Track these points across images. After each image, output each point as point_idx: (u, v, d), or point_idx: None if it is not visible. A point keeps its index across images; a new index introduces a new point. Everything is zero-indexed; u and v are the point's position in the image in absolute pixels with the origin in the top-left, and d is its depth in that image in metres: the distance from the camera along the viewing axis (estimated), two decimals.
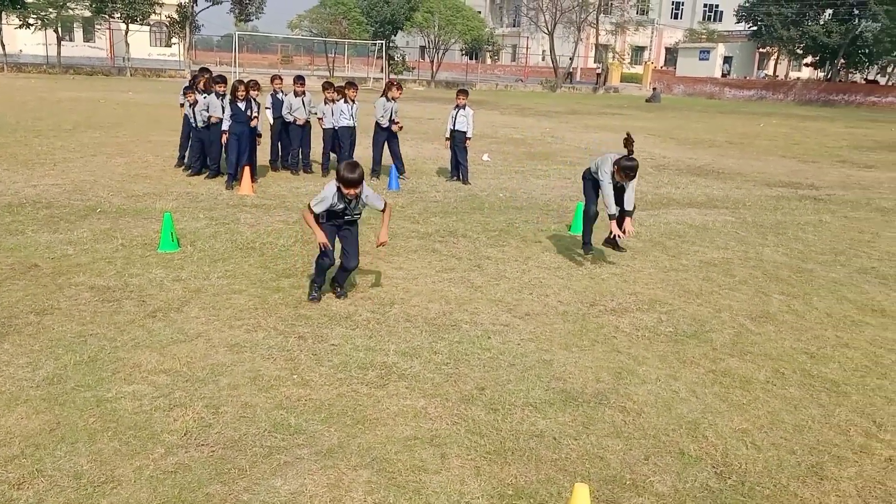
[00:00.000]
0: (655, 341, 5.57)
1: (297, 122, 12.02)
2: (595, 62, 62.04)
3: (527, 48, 62.66)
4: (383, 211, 6.09)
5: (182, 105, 12.14)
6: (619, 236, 7.24)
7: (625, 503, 3.46)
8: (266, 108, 12.09)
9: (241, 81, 10.90)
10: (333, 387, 4.56)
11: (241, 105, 10.57)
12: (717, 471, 3.78)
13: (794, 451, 4.01)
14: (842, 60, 50.34)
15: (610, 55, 58.87)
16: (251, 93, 10.91)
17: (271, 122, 12.33)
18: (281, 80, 12.53)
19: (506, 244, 8.32)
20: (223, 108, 10.72)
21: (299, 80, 12.16)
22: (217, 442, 3.85)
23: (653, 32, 66.60)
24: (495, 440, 3.99)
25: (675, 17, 72.31)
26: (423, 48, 58.36)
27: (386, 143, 12.13)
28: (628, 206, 7.19)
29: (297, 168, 12.44)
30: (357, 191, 5.70)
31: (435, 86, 48.15)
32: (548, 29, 52.35)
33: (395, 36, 55.12)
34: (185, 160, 12.20)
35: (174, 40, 53.22)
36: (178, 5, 47.88)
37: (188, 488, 3.43)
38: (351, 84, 11.99)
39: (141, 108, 22.94)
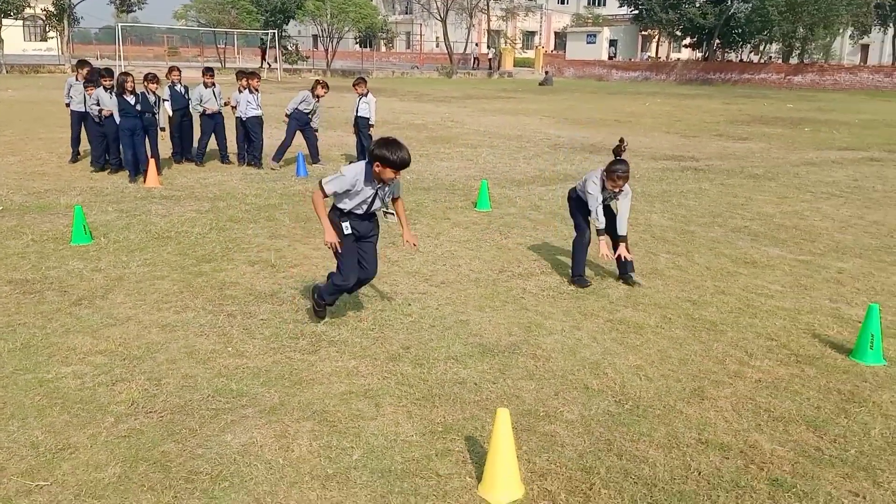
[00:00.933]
0: (559, 299, 6.15)
1: (208, 112, 12.02)
2: (488, 48, 63.20)
3: (421, 35, 63.10)
4: (395, 201, 5.34)
5: (68, 104, 11.87)
6: (606, 256, 6.32)
7: (540, 430, 3.96)
8: (165, 100, 12.00)
9: (127, 74, 10.83)
10: (268, 355, 4.87)
11: (130, 99, 10.44)
12: (616, 399, 4.35)
13: (679, 379, 4.64)
14: (717, 41, 53.30)
15: (502, 41, 60.09)
16: (150, 86, 10.84)
17: (170, 114, 12.24)
18: (179, 71, 12.44)
19: (417, 222, 8.74)
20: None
21: (209, 71, 12.19)
22: (164, 408, 4.10)
23: (542, 17, 68.41)
24: (423, 389, 4.42)
25: (562, 2, 74.51)
26: (315, 37, 57.78)
27: (301, 133, 12.34)
28: (621, 231, 6.37)
29: (202, 160, 12.42)
30: (399, 175, 4.93)
31: (331, 75, 47.84)
32: (440, 15, 52.93)
33: (286, 25, 54.32)
34: (80, 156, 12.00)
35: (51, 34, 50.56)
36: None
37: (143, 448, 3.69)
38: (254, 74, 12.09)
39: (24, 106, 21.95)
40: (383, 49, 71.13)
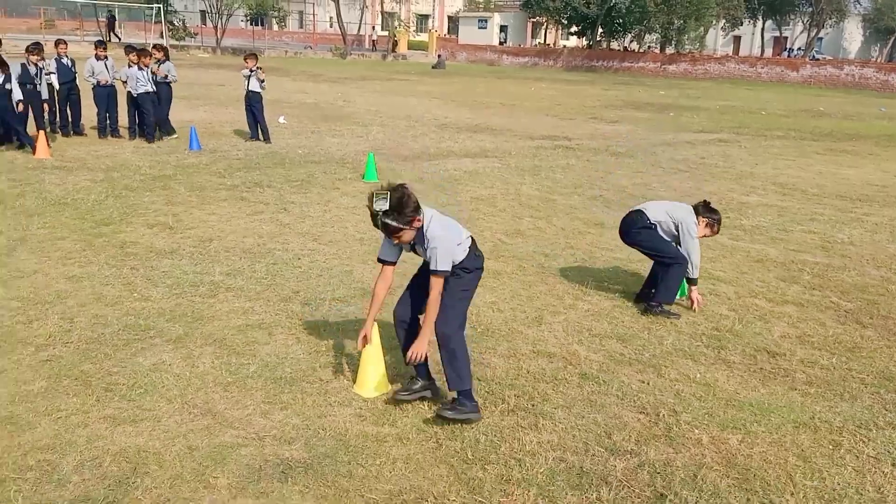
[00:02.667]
0: None
1: (101, 84, 12.18)
2: (382, 30, 63.46)
3: (314, 15, 62.59)
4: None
5: None
6: (699, 302, 5.78)
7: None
8: (52, 72, 12.05)
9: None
10: (171, 299, 5.50)
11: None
12: (471, 325, 5.22)
13: (524, 311, 5.63)
14: (600, 29, 55.85)
15: (396, 23, 60.55)
16: (31, 57, 10.93)
17: (57, 87, 12.28)
18: (66, 44, 12.49)
19: (308, 192, 9.42)
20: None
21: (101, 44, 12.34)
22: (79, 340, 4.70)
23: (435, 1, 69.22)
24: (310, 322, 5.20)
25: None
26: (203, 13, 56.28)
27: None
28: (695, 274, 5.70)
29: (106, 133, 12.59)
30: (399, 235, 3.67)
31: (221, 52, 46.95)
32: None
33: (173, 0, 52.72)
34: None
35: None
36: None
37: (64, 369, 4.29)
38: (144, 50, 12.33)
39: None
40: (275, 28, 70.02)
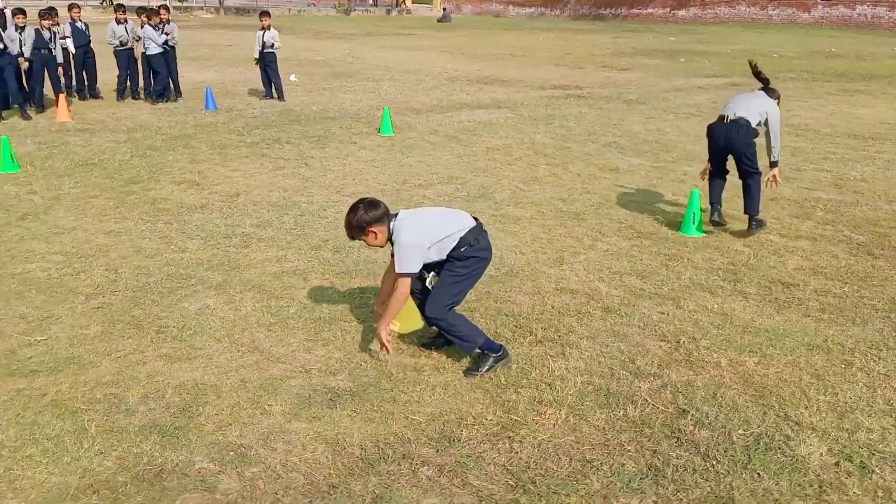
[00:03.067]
0: (454, 202, 7.22)
1: (123, 46, 12.35)
2: None
3: None
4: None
5: None
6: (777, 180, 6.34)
7: None
8: (67, 36, 12.17)
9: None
10: (207, 250, 5.74)
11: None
12: (495, 268, 5.46)
13: (546, 252, 5.84)
14: None
15: None
16: (44, 22, 11.03)
17: (73, 51, 12.42)
18: (79, 8, 12.58)
19: (326, 147, 9.59)
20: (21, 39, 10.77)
21: (120, 7, 12.42)
22: (126, 289, 4.96)
23: None
24: (342, 267, 5.44)
25: None
26: None
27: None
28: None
29: (125, 94, 12.77)
30: (364, 238, 3.96)
31: (224, 13, 46.60)
32: None
33: None
34: None
35: None
36: None
37: (116, 314, 4.56)
38: (154, 10, 12.42)
39: None
40: None
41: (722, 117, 6.11)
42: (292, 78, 15.97)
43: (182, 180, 7.77)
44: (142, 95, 13.00)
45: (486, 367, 3.89)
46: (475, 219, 4.06)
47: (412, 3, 57.48)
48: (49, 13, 11.45)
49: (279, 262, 5.50)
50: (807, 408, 3.58)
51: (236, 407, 3.56)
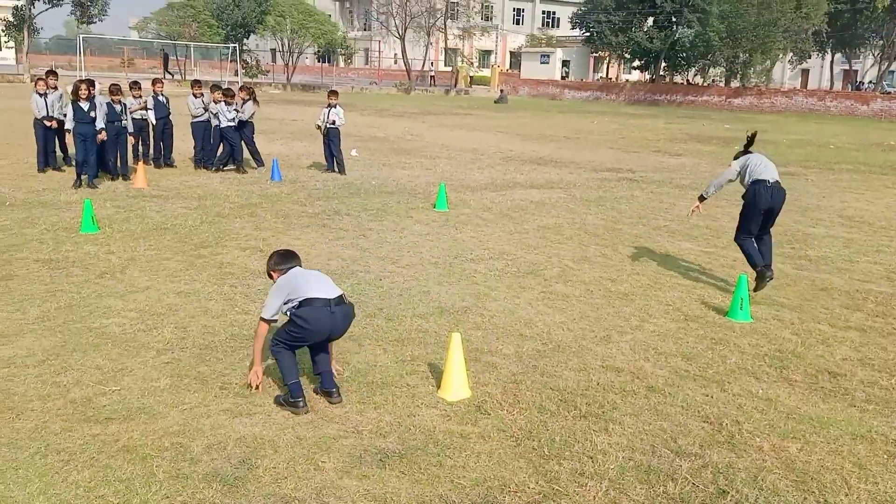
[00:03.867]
0: (503, 278, 7.46)
1: (198, 119, 13.22)
2: (446, 65, 64.93)
3: (379, 52, 64.47)
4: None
5: (48, 118, 12.06)
6: (692, 212, 7.73)
7: (483, 360, 5.25)
8: (149, 108, 13.06)
9: (82, 81, 11.62)
10: None
11: (84, 105, 11.03)
12: (542, 342, 5.66)
13: (593, 330, 5.99)
14: (664, 63, 55.95)
15: (459, 59, 61.86)
16: (114, 97, 11.81)
17: (153, 122, 13.30)
18: (162, 83, 13.54)
19: (383, 219, 10.00)
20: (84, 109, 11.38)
21: (197, 83, 13.33)
22: (193, 346, 5.28)
23: (497, 37, 70.46)
24: (395, 335, 5.68)
25: (517, 23, 76.75)
26: (274, 51, 58.70)
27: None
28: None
29: (200, 164, 13.56)
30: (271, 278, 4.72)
31: (291, 89, 48.86)
32: (399, 33, 54.42)
33: (247, 39, 55.19)
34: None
35: (9, 44, 50.57)
36: (14, 8, 45.61)
37: (183, 369, 4.86)
38: (229, 90, 13.32)
39: None
40: (342, 64, 72.34)
41: (767, 181, 6.83)
42: (353, 153, 16.66)
43: (247, 246, 8.20)
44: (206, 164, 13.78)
45: (282, 402, 4.40)
46: (340, 297, 4.50)
47: (470, 83, 59.36)
48: (117, 88, 12.20)
49: None
50: (847, 495, 3.61)
51: (292, 461, 3.77)
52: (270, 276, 4.73)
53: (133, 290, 6.48)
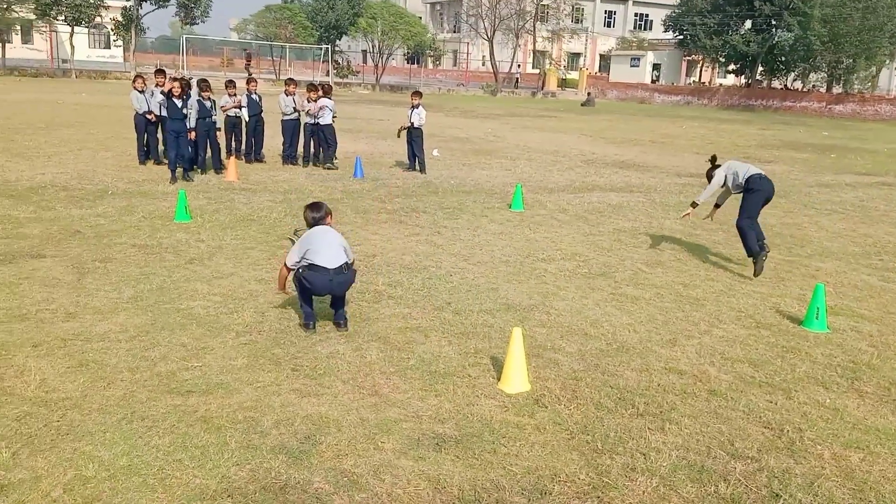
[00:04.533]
0: (573, 278, 7.50)
1: (288, 117, 13.76)
2: (533, 68, 64.72)
3: (467, 54, 64.90)
4: None
5: (148, 112, 12.72)
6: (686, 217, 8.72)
7: (546, 356, 5.33)
8: (243, 106, 13.69)
9: (174, 79, 12.19)
10: None
11: (178, 103, 11.58)
12: (607, 342, 5.69)
13: (659, 333, 5.97)
14: (760, 68, 54.06)
15: (547, 62, 61.55)
16: (204, 94, 12.36)
17: (246, 119, 13.92)
18: (256, 82, 14.15)
19: (459, 218, 10.18)
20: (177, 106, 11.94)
21: (291, 81, 13.89)
22: (270, 330, 5.58)
23: (587, 40, 69.73)
24: (461, 328, 5.83)
25: (608, 26, 75.68)
26: (365, 52, 59.99)
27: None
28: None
29: (288, 160, 14.11)
30: None
31: (379, 89, 49.84)
32: (487, 35, 54.65)
33: (339, 41, 56.63)
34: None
35: (117, 42, 53.59)
36: (123, 8, 48.36)
37: (259, 351, 5.16)
38: (313, 85, 13.79)
39: (100, 109, 24.00)
40: (430, 66, 73.19)
41: (761, 174, 7.87)
42: (435, 153, 16.94)
43: None
44: (299, 162, 14.29)
45: (300, 324, 5.63)
46: (345, 264, 5.49)
47: (557, 86, 58.99)
48: (206, 85, 12.77)
49: (404, 319, 5.98)
50: None
51: (353, 440, 3.97)
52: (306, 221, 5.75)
53: (218, 275, 6.87)
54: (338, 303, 5.69)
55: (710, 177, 8.23)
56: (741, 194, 8.01)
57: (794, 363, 5.40)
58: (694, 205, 8.31)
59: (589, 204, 11.74)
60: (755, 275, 7.70)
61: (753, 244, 7.76)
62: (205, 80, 12.83)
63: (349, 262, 5.55)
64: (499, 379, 4.83)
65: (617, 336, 5.83)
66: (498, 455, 3.89)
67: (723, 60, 56.49)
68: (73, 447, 3.76)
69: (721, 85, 58.32)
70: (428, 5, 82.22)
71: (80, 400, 4.28)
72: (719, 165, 8.21)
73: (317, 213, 5.72)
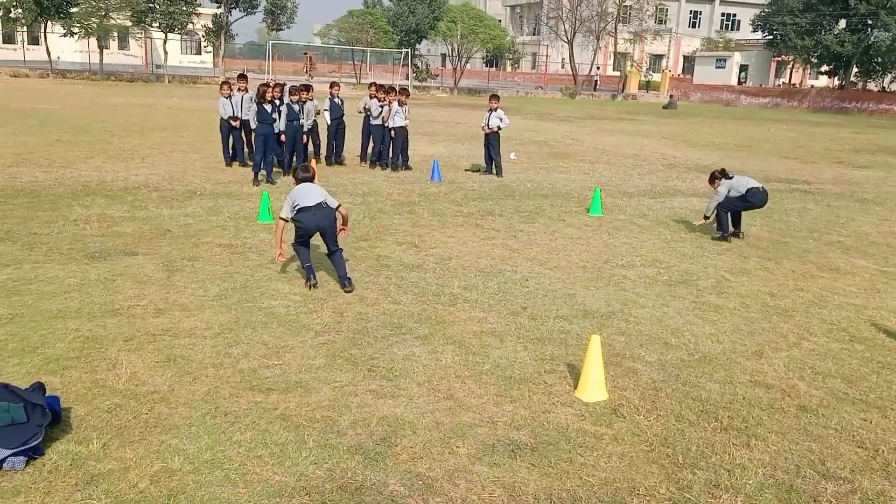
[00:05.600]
0: (654, 285, 7.32)
1: (375, 119, 13.97)
2: (614, 70, 63.69)
3: (546, 56, 64.41)
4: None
5: (233, 117, 13.15)
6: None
7: (624, 365, 5.22)
8: (325, 110, 13.98)
9: (266, 84, 12.49)
10: (418, 305, 6.36)
11: (267, 107, 11.85)
12: (688, 352, 5.52)
13: (745, 344, 5.75)
14: (855, 69, 51.60)
15: (628, 63, 60.46)
16: (292, 97, 12.61)
17: (328, 122, 14.20)
18: (339, 86, 14.43)
19: (535, 221, 10.09)
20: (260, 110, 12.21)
21: (380, 86, 14.12)
22: (348, 330, 5.66)
23: (670, 41, 68.10)
24: (536, 334, 5.77)
25: (693, 26, 73.70)
26: (443, 56, 60.33)
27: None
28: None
29: (374, 163, 14.29)
30: None
31: (458, 93, 50.03)
32: (567, 37, 54.09)
33: (419, 44, 57.14)
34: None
35: (207, 48, 55.75)
36: (213, 15, 50.22)
37: (336, 351, 5.24)
38: (404, 90, 13.89)
39: (191, 113, 24.94)
40: (509, 69, 72.99)
41: (759, 188, 9.32)
42: (512, 156, 16.86)
43: (403, 241, 8.60)
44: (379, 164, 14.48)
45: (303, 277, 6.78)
46: (324, 202, 6.66)
47: (638, 88, 57.86)
48: (296, 89, 13.10)
49: (480, 323, 5.96)
50: None
51: (428, 444, 3.98)
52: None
53: (299, 276, 7.01)
54: (335, 254, 6.73)
55: (712, 183, 9.55)
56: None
57: (890, 380, 5.11)
58: (706, 218, 9.57)
59: (670, 209, 11.45)
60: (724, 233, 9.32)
61: (726, 228, 9.33)
62: (295, 85, 13.18)
63: (328, 204, 6.67)
64: (576, 387, 4.75)
65: (699, 346, 5.65)
66: (574, 465, 3.82)
67: (815, 61, 54.19)
68: (160, 440, 3.90)
69: (812, 86, 55.97)
70: (507, 8, 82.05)
71: (168, 394, 4.44)
72: (725, 175, 9.39)
73: (305, 175, 6.94)
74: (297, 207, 6.56)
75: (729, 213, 9.37)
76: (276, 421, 4.16)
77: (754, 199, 9.25)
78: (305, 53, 56.93)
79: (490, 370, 5.02)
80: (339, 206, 6.78)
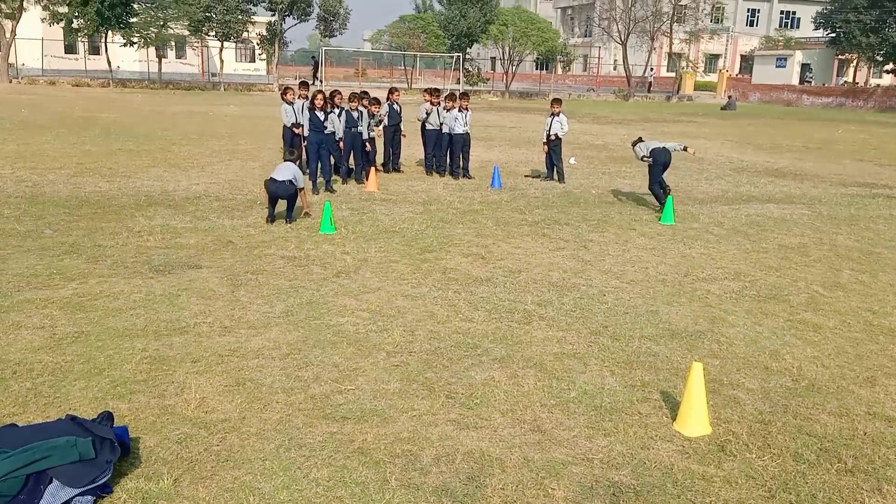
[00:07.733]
0: (741, 301, 6.83)
1: (431, 127, 13.67)
2: (668, 71, 62.34)
3: (598, 58, 63.45)
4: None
5: (296, 125, 12.86)
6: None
7: (724, 393, 4.78)
8: (386, 114, 13.76)
9: (319, 91, 12.30)
10: (491, 322, 6.02)
11: (320, 115, 11.66)
12: (793, 378, 5.06)
13: (853, 369, 5.25)
14: None
15: (683, 64, 59.10)
16: (351, 104, 12.39)
17: (385, 126, 13.97)
18: (398, 92, 14.21)
19: (605, 231, 9.66)
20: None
21: (436, 91, 13.85)
22: (420, 351, 5.35)
23: (727, 40, 66.43)
24: (622, 356, 5.37)
25: (751, 25, 71.76)
26: (493, 59, 59.89)
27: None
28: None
29: (441, 170, 14.01)
30: None
31: (509, 96, 49.58)
32: (620, 39, 53.11)
33: (470, 48, 56.87)
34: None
35: (261, 56, 56.40)
36: (267, 23, 50.81)
37: (412, 374, 4.93)
38: (465, 95, 13.56)
39: (249, 121, 25.08)
40: (560, 71, 72.16)
41: (661, 146, 11.08)
42: (572, 161, 16.41)
43: (469, 253, 8.27)
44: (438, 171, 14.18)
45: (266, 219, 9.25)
46: (289, 181, 9.05)
47: (694, 89, 56.51)
48: (356, 96, 12.91)
49: (559, 343, 5.59)
50: None
51: (521, 484, 3.63)
52: None
53: (365, 290, 6.75)
54: (288, 210, 9.34)
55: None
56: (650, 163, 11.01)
57: None
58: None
59: (747, 217, 10.87)
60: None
61: (661, 199, 10.84)
62: (355, 92, 13.00)
63: (293, 182, 9.10)
64: (674, 419, 4.35)
65: (804, 371, 5.17)
66: None
67: (880, 59, 52.09)
68: (233, 476, 3.64)
69: (878, 85, 53.84)
70: (558, 10, 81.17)
71: (238, 422, 4.19)
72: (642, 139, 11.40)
73: (290, 157, 9.68)
74: (270, 178, 9.07)
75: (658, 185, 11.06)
76: (353, 455, 3.86)
77: (660, 156, 10.97)
78: (313, 57, 56.59)
79: (577, 398, 4.64)
80: (302, 189, 9.32)
